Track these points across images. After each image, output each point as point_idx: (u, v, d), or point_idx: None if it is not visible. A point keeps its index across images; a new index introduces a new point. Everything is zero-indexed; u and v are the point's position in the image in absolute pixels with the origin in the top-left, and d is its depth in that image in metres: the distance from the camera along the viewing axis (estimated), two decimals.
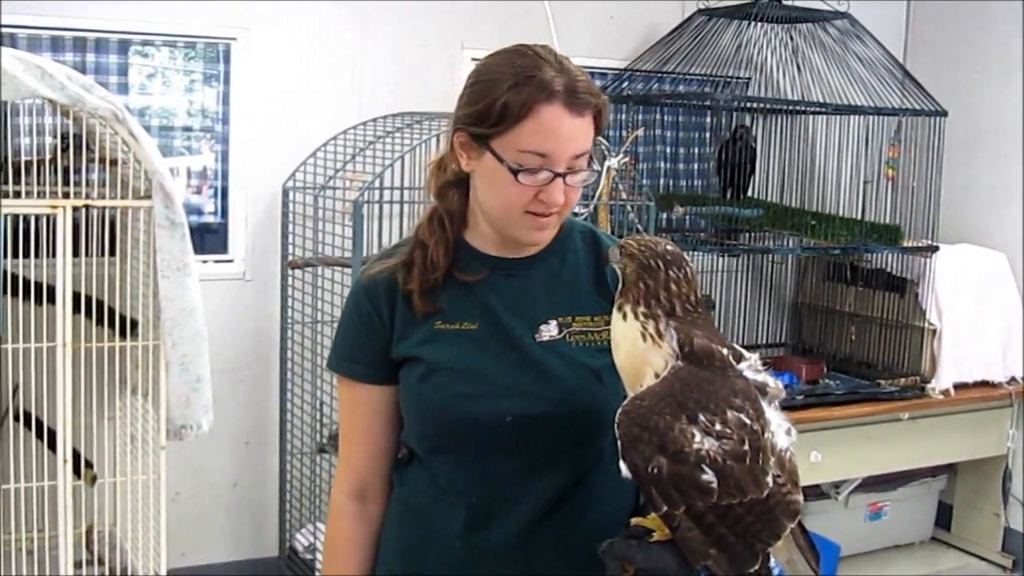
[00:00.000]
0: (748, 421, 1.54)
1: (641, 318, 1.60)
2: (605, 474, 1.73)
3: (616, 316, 1.63)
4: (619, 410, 1.55)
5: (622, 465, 1.54)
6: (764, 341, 5.18)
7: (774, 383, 1.62)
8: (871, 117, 4.72)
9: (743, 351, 1.63)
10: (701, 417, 1.53)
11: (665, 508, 1.52)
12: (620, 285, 1.65)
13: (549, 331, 1.76)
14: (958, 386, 4.78)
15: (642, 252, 1.62)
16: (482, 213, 1.79)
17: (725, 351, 1.60)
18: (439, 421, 1.75)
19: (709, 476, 1.51)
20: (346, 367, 1.86)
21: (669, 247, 1.64)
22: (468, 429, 1.73)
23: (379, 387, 1.84)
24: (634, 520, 1.65)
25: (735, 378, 1.58)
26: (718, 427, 1.53)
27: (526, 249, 1.81)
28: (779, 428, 1.59)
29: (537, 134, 1.67)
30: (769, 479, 1.54)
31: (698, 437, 1.52)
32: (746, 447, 1.53)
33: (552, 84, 1.66)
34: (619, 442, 1.54)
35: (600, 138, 1.83)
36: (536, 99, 1.66)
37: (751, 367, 1.61)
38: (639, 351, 1.60)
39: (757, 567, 1.55)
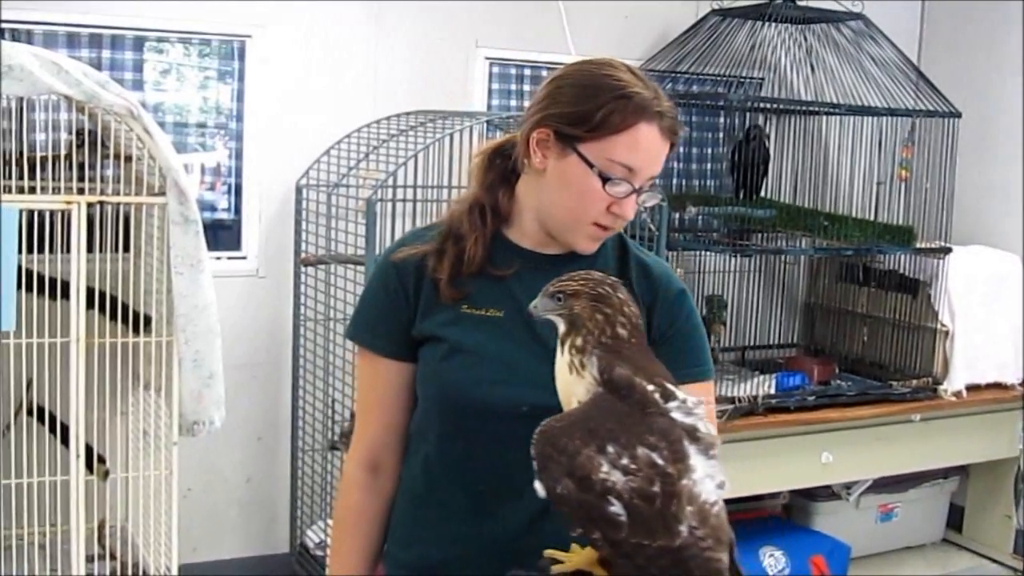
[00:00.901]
0: (661, 462, 1.48)
1: (571, 352, 1.59)
2: None
3: (558, 350, 1.62)
4: (536, 430, 1.54)
5: (537, 484, 1.52)
6: (776, 342, 5.17)
7: (707, 430, 1.54)
8: (885, 118, 4.71)
9: (676, 391, 1.56)
10: (610, 448, 1.49)
11: (580, 530, 1.51)
12: (564, 327, 1.61)
13: None
14: (970, 388, 4.77)
15: (586, 285, 1.61)
16: (540, 212, 1.82)
17: (651, 387, 1.54)
18: (458, 403, 1.77)
19: (617, 509, 1.47)
20: (367, 339, 1.89)
21: (609, 279, 1.63)
22: (485, 414, 1.75)
23: (398, 363, 1.87)
24: (547, 552, 1.65)
25: (656, 416, 1.53)
26: (625, 461, 1.48)
27: (558, 246, 1.85)
28: (707, 478, 1.50)
29: (631, 148, 1.73)
30: (683, 528, 1.47)
31: (605, 467, 1.48)
32: (656, 488, 1.47)
33: (653, 105, 1.73)
34: (534, 461, 1.53)
35: None
36: (639, 116, 1.72)
37: (682, 409, 1.54)
38: (566, 382, 1.60)
39: None
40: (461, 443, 1.71)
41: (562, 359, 1.60)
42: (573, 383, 1.58)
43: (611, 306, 1.59)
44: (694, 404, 1.55)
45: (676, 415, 1.53)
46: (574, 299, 1.60)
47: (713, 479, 1.51)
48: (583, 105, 1.73)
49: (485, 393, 1.75)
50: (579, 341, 1.58)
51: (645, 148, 1.74)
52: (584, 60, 1.82)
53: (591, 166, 1.73)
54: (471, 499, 1.79)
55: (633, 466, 1.48)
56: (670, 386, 1.56)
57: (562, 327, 1.61)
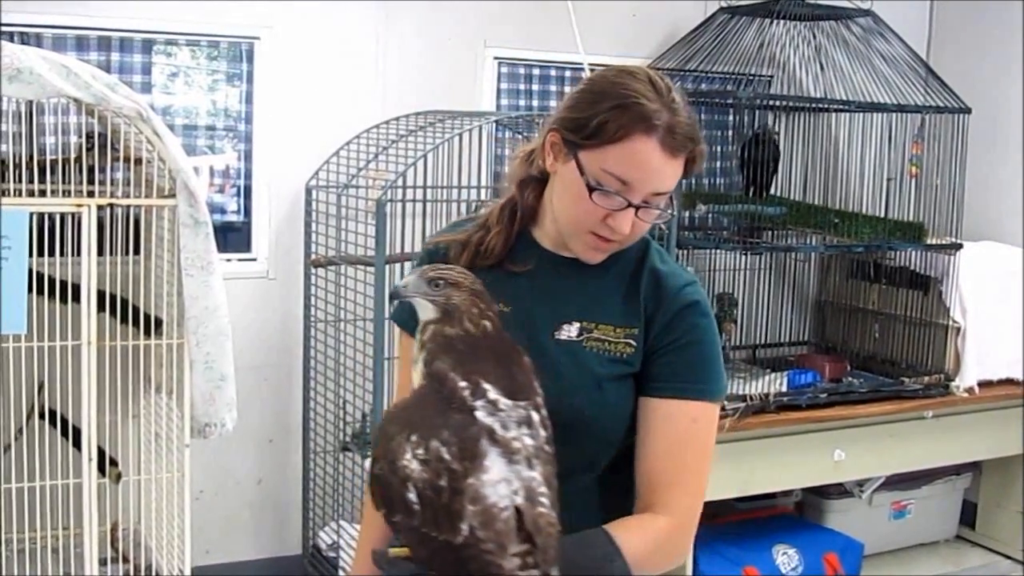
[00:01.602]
0: (448, 457, 1.48)
1: (419, 341, 1.62)
2: (587, 479, 1.76)
3: (416, 334, 1.65)
4: None
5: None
6: (787, 339, 5.16)
7: (517, 435, 1.51)
8: (894, 114, 4.70)
9: (490, 390, 1.53)
10: (413, 437, 1.51)
11: (384, 511, 1.53)
12: (435, 314, 1.62)
13: (569, 331, 1.78)
14: (982, 384, 4.75)
15: (467, 278, 1.63)
16: (552, 214, 1.82)
17: (463, 383, 1.54)
18: None
19: (413, 496, 1.48)
20: (402, 319, 1.91)
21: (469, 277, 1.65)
22: None
23: None
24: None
25: (456, 412, 1.52)
26: (420, 452, 1.49)
27: None
28: (503, 482, 1.47)
29: (624, 161, 1.68)
30: (464, 526, 1.45)
31: (408, 455, 1.50)
32: (443, 482, 1.47)
33: (653, 117, 1.67)
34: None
35: None
36: (634, 127, 1.67)
37: (487, 408, 1.52)
38: (413, 371, 1.64)
39: None
40: None
41: (416, 344, 1.63)
42: (414, 371, 1.62)
43: (485, 302, 1.61)
44: (508, 407, 1.52)
45: (479, 413, 1.52)
46: (454, 288, 1.62)
47: (510, 484, 1.48)
48: (585, 111, 1.71)
49: None
50: (447, 330, 1.59)
51: (639, 162, 1.67)
52: (612, 66, 1.79)
53: (583, 173, 1.71)
54: None
55: (426, 457, 1.49)
56: (485, 385, 1.54)
57: (431, 314, 1.62)
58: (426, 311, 1.62)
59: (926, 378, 4.68)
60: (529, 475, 1.50)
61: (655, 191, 1.70)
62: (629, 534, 1.69)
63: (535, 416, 1.56)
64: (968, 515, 5.34)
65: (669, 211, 1.80)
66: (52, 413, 3.61)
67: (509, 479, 1.48)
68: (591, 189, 1.70)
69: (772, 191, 4.83)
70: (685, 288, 1.80)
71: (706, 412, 1.77)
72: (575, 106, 1.74)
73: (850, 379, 4.72)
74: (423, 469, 1.48)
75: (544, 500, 1.50)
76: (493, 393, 1.54)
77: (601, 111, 1.69)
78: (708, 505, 4.52)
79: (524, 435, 1.52)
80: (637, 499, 1.76)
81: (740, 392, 4.23)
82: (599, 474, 1.78)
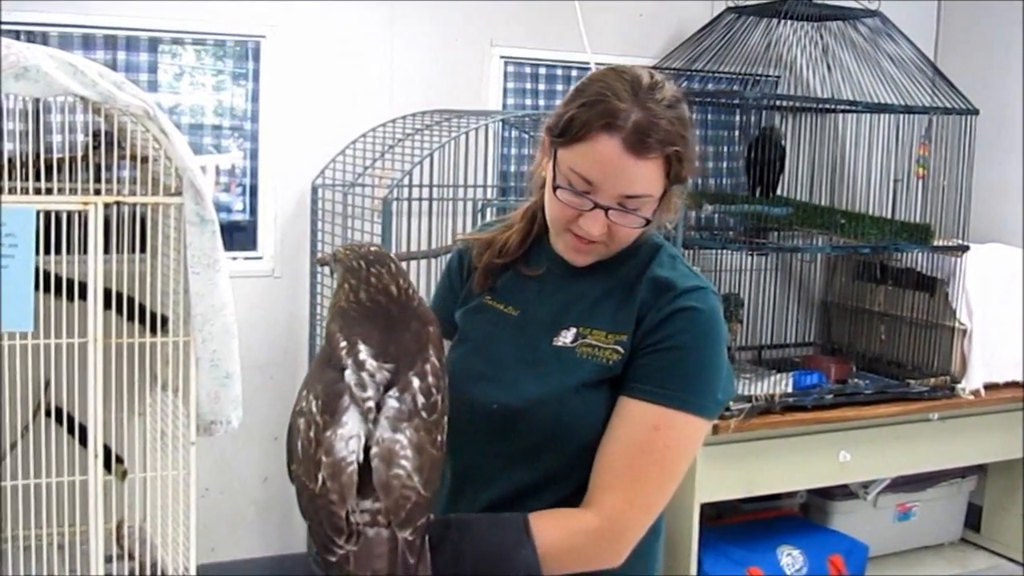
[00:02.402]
0: (314, 410, 1.54)
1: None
2: (568, 487, 1.74)
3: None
4: None
5: None
6: (793, 340, 5.16)
7: (374, 396, 1.53)
8: (901, 115, 4.70)
9: (363, 350, 1.57)
10: (303, 392, 1.59)
11: (287, 459, 1.59)
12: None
13: (565, 338, 1.77)
14: (988, 386, 4.75)
15: (347, 256, 1.65)
16: None
17: (344, 343, 1.58)
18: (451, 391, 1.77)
19: (298, 447, 1.56)
20: None
21: (373, 248, 1.67)
22: (463, 405, 1.74)
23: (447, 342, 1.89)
24: None
25: (332, 369, 1.57)
26: (302, 405, 1.57)
27: None
28: (353, 438, 1.51)
29: (587, 160, 1.66)
30: (320, 477, 1.50)
31: (297, 408, 1.58)
32: (312, 434, 1.53)
33: (619, 116, 1.64)
34: None
35: None
36: (596, 125, 1.65)
37: (354, 368, 1.55)
38: None
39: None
40: (451, 427, 1.72)
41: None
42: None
43: (357, 278, 1.63)
44: (373, 368, 1.55)
45: (347, 372, 1.55)
46: (338, 264, 1.67)
47: (360, 440, 1.51)
48: (562, 110, 1.71)
49: (468, 385, 1.77)
50: (341, 301, 1.64)
51: (601, 162, 1.65)
52: (609, 65, 1.78)
53: (555, 173, 1.70)
54: (452, 482, 1.83)
55: (302, 409, 1.57)
56: (361, 346, 1.57)
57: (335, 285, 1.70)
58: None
59: (932, 380, 4.68)
60: (390, 436, 1.52)
61: (623, 193, 1.67)
62: (547, 525, 1.66)
63: (415, 382, 1.56)
64: (973, 518, 5.33)
65: (668, 218, 1.77)
66: (58, 410, 3.62)
67: (358, 435, 1.51)
68: (555, 188, 1.69)
69: (778, 191, 4.83)
70: (686, 293, 1.73)
71: (672, 421, 1.68)
72: (558, 107, 1.74)
73: (856, 380, 4.73)
74: (303, 421, 1.56)
75: (405, 464, 1.50)
76: (364, 354, 1.56)
77: (572, 108, 1.68)
78: (712, 506, 4.55)
79: (389, 398, 1.54)
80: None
81: (745, 393, 4.23)
82: (581, 484, 1.74)
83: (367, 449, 1.51)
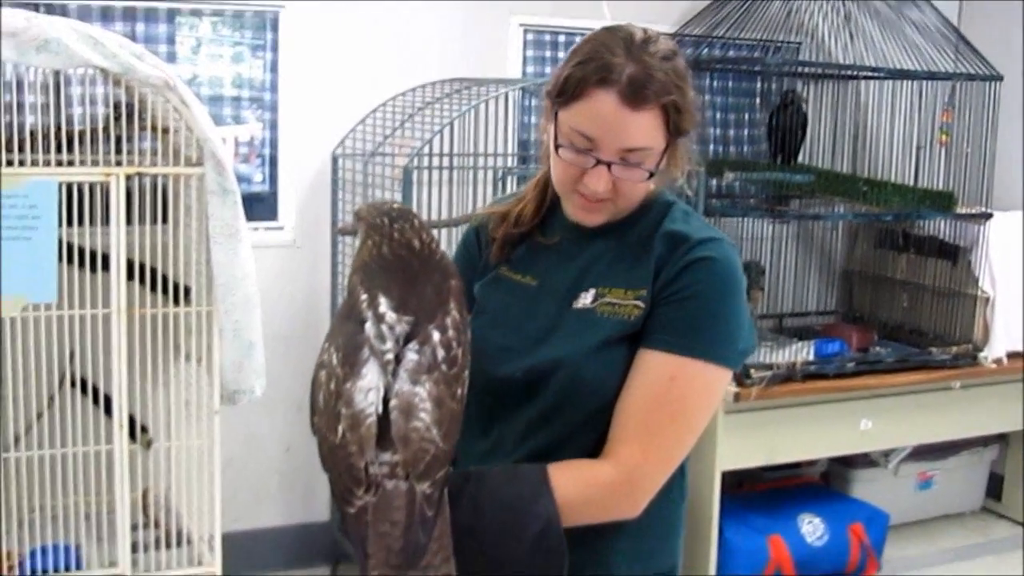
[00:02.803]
0: (335, 363, 1.55)
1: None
2: (584, 440, 1.74)
3: None
4: None
5: None
6: (814, 308, 5.15)
7: (393, 348, 1.54)
8: (924, 82, 4.67)
9: (383, 303, 1.57)
10: (325, 344, 1.60)
11: (310, 413, 1.60)
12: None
13: (584, 300, 1.77)
14: (1011, 355, 4.74)
15: (370, 212, 1.66)
16: None
17: (364, 296, 1.58)
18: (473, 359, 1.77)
19: (319, 398, 1.57)
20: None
21: (395, 205, 1.69)
22: (487, 377, 1.75)
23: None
24: None
25: (352, 321, 1.58)
26: (324, 358, 1.58)
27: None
28: (372, 390, 1.52)
29: (586, 116, 1.67)
30: (340, 429, 1.51)
31: (320, 361, 1.59)
32: (332, 386, 1.54)
33: (613, 70, 1.65)
34: None
35: None
36: (590, 81, 1.66)
37: (374, 320, 1.56)
38: None
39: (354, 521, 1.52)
40: (472, 398, 1.72)
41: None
42: None
43: (380, 233, 1.63)
44: (392, 321, 1.56)
45: (367, 324, 1.56)
46: (361, 221, 1.67)
47: (379, 392, 1.52)
48: (559, 71, 1.72)
49: (490, 359, 1.76)
50: (364, 256, 1.65)
51: (598, 116, 1.66)
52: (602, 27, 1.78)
53: (556, 133, 1.71)
54: (478, 453, 1.82)
55: (323, 361, 1.58)
56: (381, 298, 1.58)
57: (357, 243, 1.70)
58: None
59: (954, 348, 4.66)
60: (409, 389, 1.52)
61: (623, 147, 1.67)
62: (565, 477, 1.67)
63: (435, 336, 1.56)
64: (994, 487, 5.33)
65: (675, 172, 1.78)
66: (83, 381, 3.64)
67: (378, 388, 1.52)
68: (557, 147, 1.70)
69: (800, 159, 4.81)
70: (701, 244, 1.73)
71: (689, 371, 1.68)
72: (557, 68, 1.75)
73: (877, 349, 4.72)
74: (324, 374, 1.57)
75: (424, 416, 1.51)
76: (384, 307, 1.57)
77: (567, 68, 1.70)
78: (734, 474, 4.55)
79: (409, 350, 1.55)
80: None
81: (767, 361, 4.23)
82: (602, 439, 1.74)
83: (386, 401, 1.52)
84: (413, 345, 1.55)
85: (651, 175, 1.71)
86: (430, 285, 1.61)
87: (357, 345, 1.55)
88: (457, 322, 1.60)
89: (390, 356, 1.54)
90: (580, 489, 1.67)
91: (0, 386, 3.28)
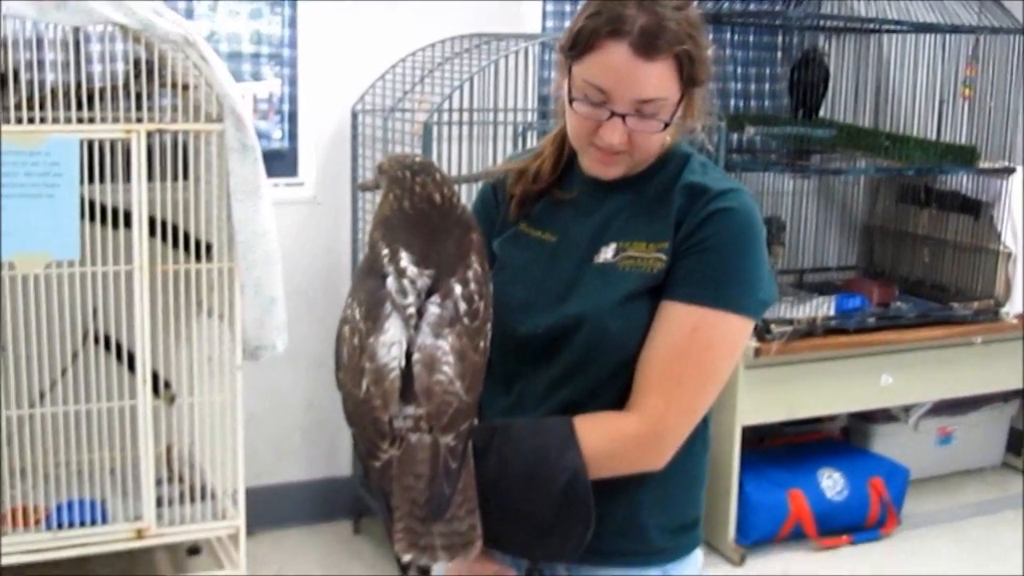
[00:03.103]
0: (358, 317, 1.57)
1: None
2: (608, 394, 1.74)
3: None
4: None
5: None
6: (835, 264, 5.14)
7: (415, 303, 1.55)
8: (948, 35, 4.63)
9: (404, 257, 1.58)
10: (347, 300, 1.63)
11: (335, 369, 1.62)
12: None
13: (606, 254, 1.76)
14: None
15: (392, 166, 1.67)
16: None
17: (385, 251, 1.60)
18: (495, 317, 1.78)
19: (343, 353, 1.59)
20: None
21: (417, 159, 1.69)
22: (509, 334, 1.76)
23: None
24: None
25: (374, 276, 1.60)
26: (347, 313, 1.60)
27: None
28: (395, 345, 1.53)
29: (598, 68, 1.66)
30: (365, 383, 1.53)
31: (343, 317, 1.61)
32: (356, 341, 1.56)
33: (625, 21, 1.64)
34: None
35: None
36: (602, 33, 1.65)
37: (395, 274, 1.57)
38: None
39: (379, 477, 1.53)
40: (496, 355, 1.73)
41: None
42: None
43: (401, 187, 1.64)
44: (414, 275, 1.57)
45: (389, 279, 1.58)
46: (383, 175, 1.68)
47: (402, 346, 1.53)
48: (572, 25, 1.71)
49: (511, 315, 1.76)
50: (385, 210, 1.66)
51: (610, 67, 1.65)
52: None
53: (570, 87, 1.71)
54: (501, 409, 1.82)
55: (346, 317, 1.60)
56: (402, 253, 1.59)
57: (379, 197, 1.71)
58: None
59: (975, 304, 4.65)
60: (432, 343, 1.54)
61: (637, 98, 1.66)
62: (591, 429, 1.68)
63: (457, 289, 1.58)
64: (1014, 442, 5.33)
65: (691, 124, 1.77)
66: (106, 337, 3.67)
67: (400, 341, 1.53)
68: (571, 101, 1.70)
69: (821, 113, 4.78)
70: (721, 195, 1.72)
71: (711, 322, 1.68)
72: (570, 23, 1.74)
73: (898, 304, 4.71)
74: (348, 329, 1.59)
75: (447, 370, 1.53)
76: (405, 261, 1.58)
77: (580, 21, 1.69)
78: (754, 429, 4.56)
79: (431, 304, 1.56)
80: None
81: (787, 316, 4.22)
82: (625, 393, 1.74)
83: (409, 356, 1.53)
84: (435, 299, 1.56)
85: (666, 125, 1.70)
86: (451, 239, 1.62)
87: (379, 300, 1.56)
88: (478, 275, 1.61)
89: (412, 310, 1.55)
90: (606, 441, 1.68)
91: (25, 343, 3.30)
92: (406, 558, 1.51)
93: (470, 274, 1.60)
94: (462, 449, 1.53)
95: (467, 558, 1.53)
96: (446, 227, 1.63)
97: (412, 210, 1.63)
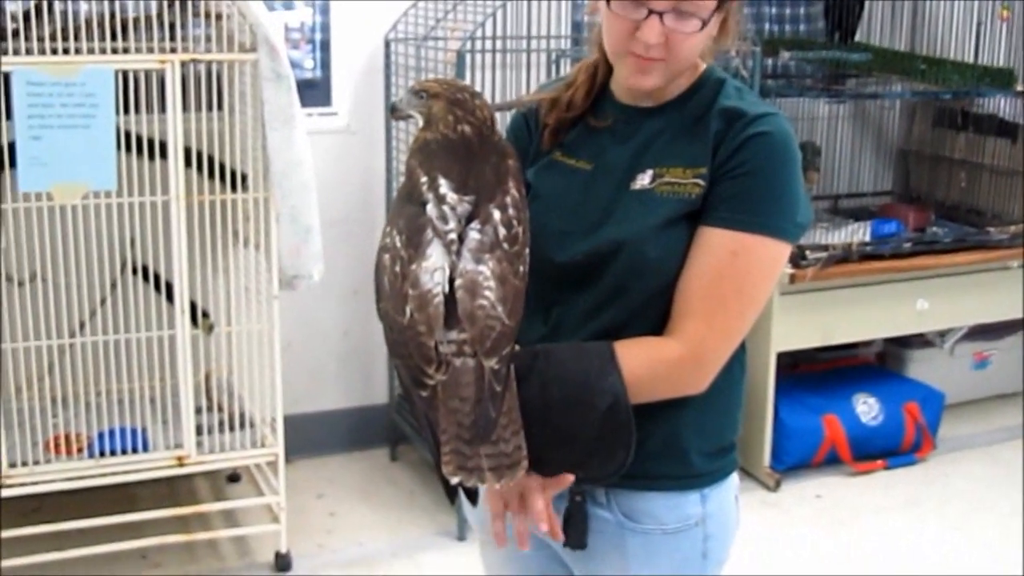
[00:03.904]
0: (399, 245, 1.58)
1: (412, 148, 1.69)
2: (646, 320, 1.74)
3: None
4: None
5: None
6: (870, 189, 5.11)
7: (455, 228, 1.56)
8: None
9: (443, 184, 1.59)
10: (387, 228, 1.63)
11: (376, 299, 1.62)
12: (422, 122, 1.68)
13: (643, 180, 1.75)
14: None
15: (447, 89, 1.67)
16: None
17: (424, 178, 1.60)
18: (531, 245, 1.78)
19: (384, 281, 1.59)
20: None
21: (463, 83, 1.71)
22: (546, 261, 1.75)
23: None
24: None
25: (413, 203, 1.60)
26: (386, 240, 1.61)
27: (652, 99, 1.80)
28: (438, 270, 1.55)
29: None
30: (408, 310, 1.54)
31: (382, 244, 1.61)
32: (397, 269, 1.57)
33: None
34: None
35: None
36: None
37: (435, 201, 1.58)
38: None
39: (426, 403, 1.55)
40: (533, 283, 1.71)
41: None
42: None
43: (463, 108, 1.64)
44: (454, 201, 1.58)
45: (429, 206, 1.58)
46: (434, 99, 1.66)
47: (444, 272, 1.55)
48: None
49: (548, 243, 1.76)
50: (427, 135, 1.65)
51: None
52: None
53: None
54: (538, 337, 1.81)
55: (386, 244, 1.61)
56: (441, 180, 1.60)
57: (420, 121, 1.69)
58: (419, 120, 1.69)
59: (1012, 228, 4.61)
60: (473, 268, 1.55)
61: None
62: (632, 353, 1.68)
63: (496, 214, 1.59)
64: None
65: (725, 43, 1.77)
66: (144, 268, 3.71)
67: (444, 268, 1.55)
68: (608, 1, 1.69)
69: (857, 37, 4.72)
70: (757, 119, 1.71)
71: (750, 246, 1.68)
72: None
73: (934, 229, 4.68)
74: (388, 257, 1.59)
75: (488, 294, 1.54)
76: (444, 188, 1.59)
77: None
78: (789, 355, 4.57)
79: (471, 230, 1.57)
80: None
81: (822, 242, 4.21)
82: (664, 318, 1.74)
83: (451, 281, 1.55)
84: (475, 224, 1.57)
85: (704, 25, 1.69)
86: (488, 165, 1.63)
87: (420, 227, 1.57)
88: (516, 200, 1.62)
89: (453, 236, 1.56)
90: (647, 365, 1.68)
91: (64, 274, 3.34)
92: (455, 480, 1.53)
93: (508, 200, 1.61)
94: (505, 372, 1.55)
95: (513, 479, 1.55)
96: (483, 153, 1.64)
97: (459, 139, 1.63)
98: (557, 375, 1.65)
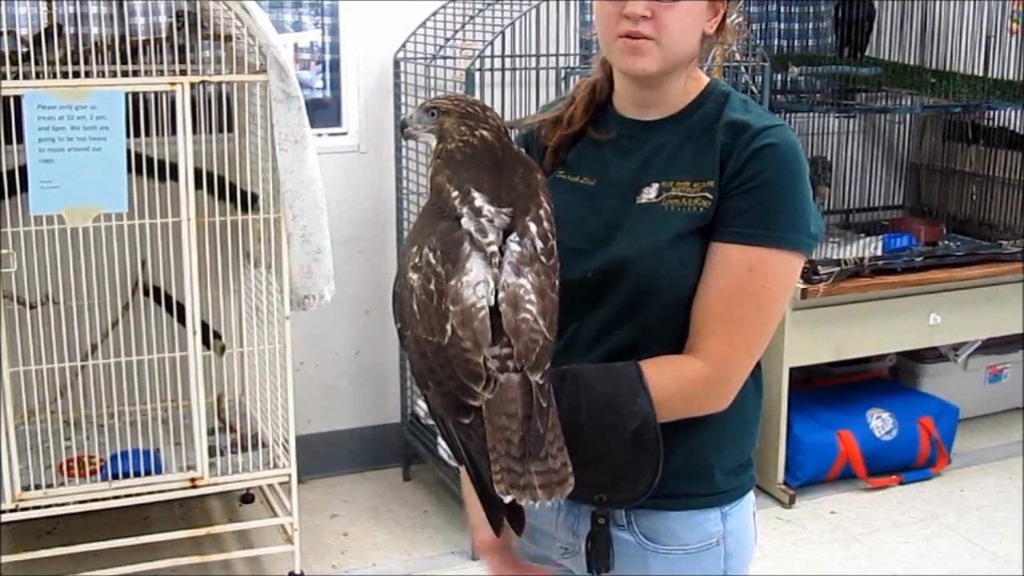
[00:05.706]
0: (434, 262, 1.53)
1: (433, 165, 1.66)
2: (659, 337, 1.73)
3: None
4: None
5: None
6: (881, 203, 5.09)
7: (495, 241, 1.53)
8: None
9: (478, 197, 1.56)
10: (413, 248, 1.57)
11: (398, 326, 1.58)
12: (436, 141, 1.66)
13: (648, 194, 1.74)
14: None
15: (458, 105, 1.65)
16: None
17: (455, 192, 1.57)
18: None
19: (415, 305, 1.54)
20: None
21: (471, 98, 1.69)
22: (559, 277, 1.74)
23: None
24: None
25: (446, 219, 1.56)
26: (416, 260, 1.55)
27: (656, 112, 1.79)
28: (481, 284, 1.51)
29: None
30: (448, 327, 1.49)
31: (411, 265, 1.56)
32: (432, 286, 1.52)
33: None
34: None
35: None
36: None
37: (471, 214, 1.55)
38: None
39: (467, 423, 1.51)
40: None
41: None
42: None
43: (475, 119, 1.63)
44: (491, 213, 1.55)
45: (464, 219, 1.55)
46: (446, 116, 1.64)
47: (488, 285, 1.51)
48: None
49: (561, 259, 1.71)
50: (448, 147, 1.63)
51: None
52: None
53: None
54: (556, 353, 1.74)
55: (418, 263, 1.55)
56: (474, 192, 1.57)
57: (433, 141, 1.67)
58: (432, 140, 1.67)
59: None
60: (515, 281, 1.53)
61: None
62: (659, 374, 1.67)
63: (532, 227, 1.57)
64: None
65: (724, 39, 1.77)
66: (156, 289, 3.71)
67: (485, 280, 1.51)
68: None
69: (867, 51, 4.72)
70: (764, 131, 1.70)
71: (767, 260, 1.67)
72: None
73: (946, 242, 4.67)
74: (419, 276, 1.54)
75: (530, 308, 1.52)
76: (480, 200, 1.56)
77: None
78: (802, 370, 4.54)
79: (511, 242, 1.55)
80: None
81: (834, 256, 4.20)
82: (677, 335, 1.73)
83: (494, 294, 1.52)
84: (514, 236, 1.55)
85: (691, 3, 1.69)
86: (517, 177, 1.62)
87: (456, 241, 1.54)
88: (549, 214, 1.61)
89: (494, 248, 1.53)
90: (674, 385, 1.68)
91: (76, 296, 3.34)
92: (508, 499, 1.49)
93: (542, 213, 1.60)
94: (549, 387, 1.53)
95: (563, 495, 1.51)
96: (510, 165, 1.63)
97: (482, 146, 1.62)
98: (587, 397, 1.63)
